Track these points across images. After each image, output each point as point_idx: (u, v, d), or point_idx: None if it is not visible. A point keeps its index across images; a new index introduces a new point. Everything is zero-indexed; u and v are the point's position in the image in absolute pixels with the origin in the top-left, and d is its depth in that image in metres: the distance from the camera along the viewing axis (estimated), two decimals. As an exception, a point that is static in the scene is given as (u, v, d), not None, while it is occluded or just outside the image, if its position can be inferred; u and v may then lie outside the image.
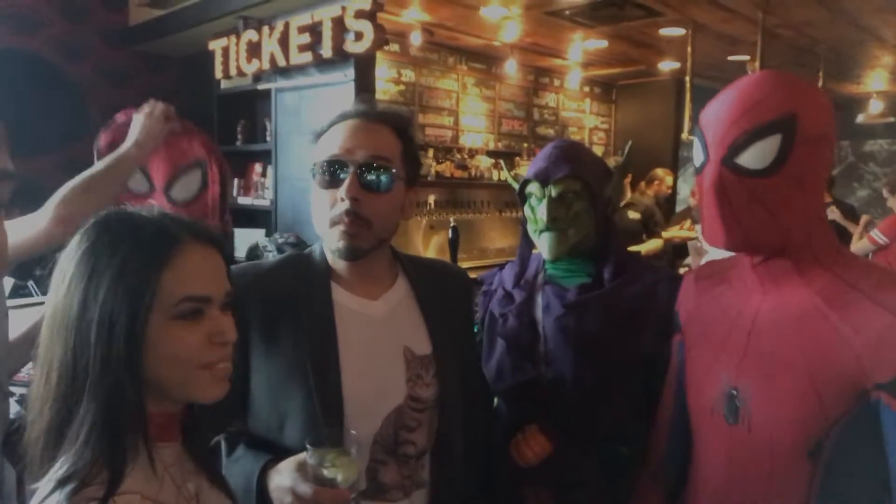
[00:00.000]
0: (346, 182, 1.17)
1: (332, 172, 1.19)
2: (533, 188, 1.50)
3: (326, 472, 1.01)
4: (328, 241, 1.22)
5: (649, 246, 5.04)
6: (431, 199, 5.65)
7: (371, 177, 1.19)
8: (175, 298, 0.83)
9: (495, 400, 1.60)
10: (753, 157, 1.01)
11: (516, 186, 1.59)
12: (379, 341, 1.24)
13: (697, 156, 1.11)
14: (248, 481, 1.11)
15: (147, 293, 0.81)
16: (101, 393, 0.79)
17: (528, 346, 1.48)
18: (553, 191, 1.46)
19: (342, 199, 1.17)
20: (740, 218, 1.03)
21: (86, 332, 0.79)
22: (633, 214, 5.13)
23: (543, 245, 1.49)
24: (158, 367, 0.83)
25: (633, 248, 4.59)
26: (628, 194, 5.33)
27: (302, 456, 1.05)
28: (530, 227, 1.53)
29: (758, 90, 1.03)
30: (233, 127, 4.67)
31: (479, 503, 1.40)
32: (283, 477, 1.06)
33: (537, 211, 1.48)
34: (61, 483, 0.76)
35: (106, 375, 0.79)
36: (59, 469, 0.77)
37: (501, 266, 1.70)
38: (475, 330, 1.64)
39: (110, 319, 0.79)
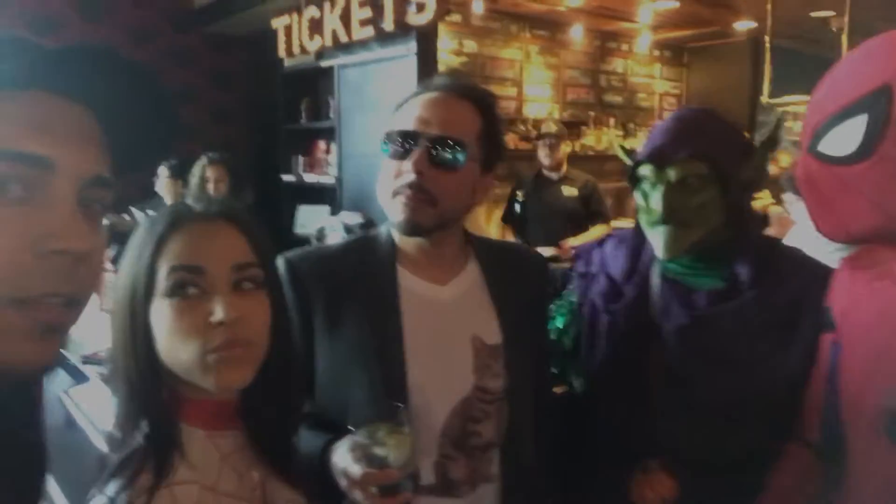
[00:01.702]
0: (415, 154, 1.12)
1: (402, 143, 1.15)
2: (646, 171, 1.23)
3: (377, 451, 0.98)
4: (389, 213, 1.18)
5: (594, 234, 3.97)
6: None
7: (441, 152, 1.13)
8: (165, 271, 0.80)
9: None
10: (835, 142, 0.90)
11: (629, 162, 1.32)
12: (446, 328, 1.19)
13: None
14: (310, 462, 1.09)
15: (143, 271, 0.80)
16: (123, 378, 0.81)
17: (640, 354, 1.27)
18: (671, 176, 1.19)
19: (407, 171, 1.13)
20: (837, 207, 0.93)
21: (115, 321, 0.83)
22: (569, 191, 4.19)
23: (657, 241, 1.23)
24: (167, 352, 0.81)
25: (574, 239, 3.91)
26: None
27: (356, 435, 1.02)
28: (642, 218, 1.27)
29: (847, 63, 0.91)
30: (297, 105, 4.70)
31: (550, 499, 1.34)
32: (337, 457, 1.04)
33: (651, 200, 1.22)
34: (114, 473, 0.76)
35: (126, 360, 0.81)
36: (115, 458, 0.78)
37: (600, 241, 1.45)
38: (565, 314, 1.48)
39: (125, 305, 0.81)
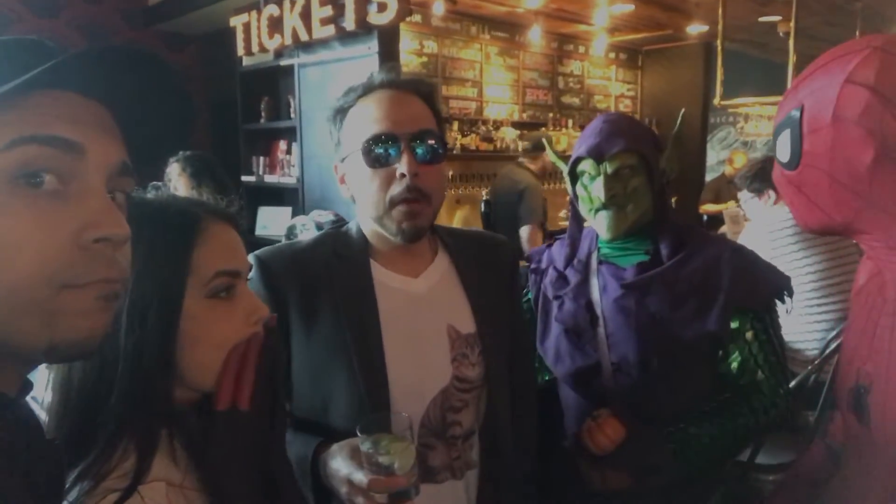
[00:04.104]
0: (404, 158, 1.10)
1: (383, 149, 1.12)
2: (586, 165, 1.43)
3: (382, 460, 0.97)
4: (387, 224, 1.15)
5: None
6: (456, 172, 5.58)
7: (424, 149, 1.13)
8: (209, 275, 0.80)
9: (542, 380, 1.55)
10: (780, 151, 1.05)
11: (563, 167, 1.52)
12: (422, 320, 1.19)
13: None
14: (300, 466, 1.08)
15: (181, 273, 0.78)
16: (131, 385, 0.76)
17: (587, 329, 1.44)
18: (609, 167, 1.39)
19: (402, 176, 1.10)
20: (794, 205, 1.07)
21: (115, 324, 0.74)
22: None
23: (601, 224, 1.43)
24: (196, 352, 0.80)
25: None
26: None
27: (356, 441, 1.01)
28: (584, 207, 1.46)
29: (795, 82, 1.04)
30: (256, 104, 4.63)
31: (530, 482, 1.36)
32: (338, 463, 1.02)
33: (591, 189, 1.42)
34: (78, 479, 0.73)
35: (137, 366, 0.76)
36: (78, 467, 0.74)
37: (549, 243, 1.64)
38: (524, 308, 1.59)
39: (142, 306, 0.76)
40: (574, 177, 1.48)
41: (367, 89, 1.17)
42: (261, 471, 0.85)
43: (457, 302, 1.23)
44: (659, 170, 1.43)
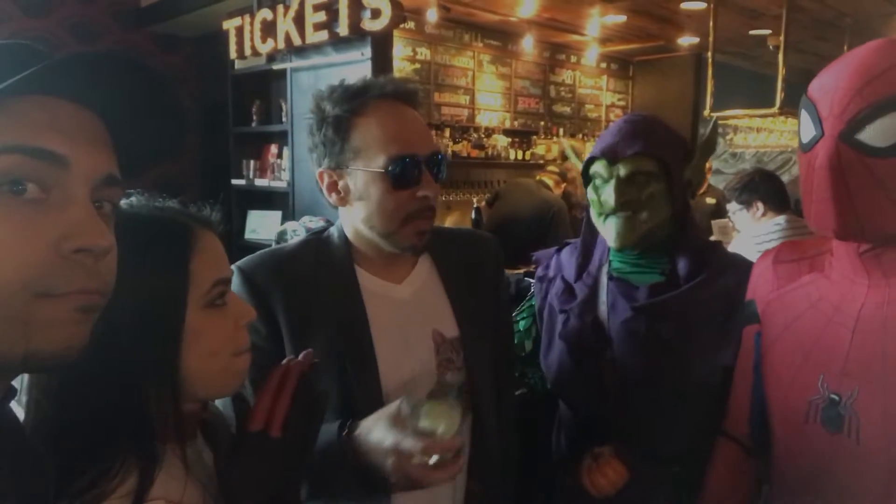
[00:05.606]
0: (425, 179, 1.14)
1: (409, 171, 1.13)
2: (599, 167, 1.30)
3: (427, 424, 0.94)
4: (396, 240, 1.16)
5: None
6: (447, 178, 5.59)
7: (438, 169, 1.17)
8: (208, 284, 0.80)
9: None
10: (877, 133, 0.87)
11: (578, 164, 1.42)
12: (408, 326, 1.20)
13: (807, 130, 0.96)
14: (327, 452, 1.03)
15: (182, 283, 0.78)
16: (134, 401, 0.75)
17: (592, 349, 1.33)
18: (622, 170, 1.26)
19: (424, 197, 1.14)
20: (856, 203, 0.90)
21: (115, 340, 0.71)
22: (709, 199, 4.33)
23: (609, 231, 1.29)
24: (195, 361, 0.79)
25: None
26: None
27: (392, 409, 0.98)
28: (594, 212, 1.34)
29: (884, 58, 0.89)
30: (247, 108, 4.61)
31: (512, 486, 1.35)
32: (379, 435, 0.99)
33: (602, 193, 1.30)
34: (74, 498, 0.70)
35: (140, 381, 0.75)
36: (74, 484, 0.71)
37: (559, 248, 1.53)
38: (526, 317, 1.54)
39: (144, 318, 0.75)
40: (588, 179, 1.37)
41: (378, 96, 1.15)
42: (275, 497, 0.83)
43: (440, 306, 1.24)
44: (682, 179, 1.30)
